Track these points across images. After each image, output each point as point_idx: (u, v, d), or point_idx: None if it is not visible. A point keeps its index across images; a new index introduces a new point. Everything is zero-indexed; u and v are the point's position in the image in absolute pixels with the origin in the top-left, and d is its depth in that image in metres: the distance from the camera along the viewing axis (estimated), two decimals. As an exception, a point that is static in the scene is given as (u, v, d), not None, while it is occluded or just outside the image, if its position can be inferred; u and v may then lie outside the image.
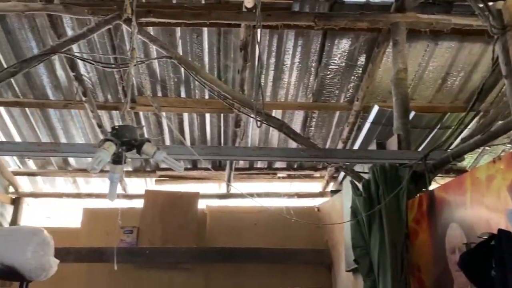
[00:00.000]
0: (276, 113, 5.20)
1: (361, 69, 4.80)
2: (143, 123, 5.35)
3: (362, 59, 4.73)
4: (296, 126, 5.39)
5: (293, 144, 5.63)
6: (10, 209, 5.97)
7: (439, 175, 3.66)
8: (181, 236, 5.65)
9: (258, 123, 3.67)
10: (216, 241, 5.75)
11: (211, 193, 6.35)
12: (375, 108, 4.87)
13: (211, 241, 5.77)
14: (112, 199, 2.50)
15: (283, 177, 6.26)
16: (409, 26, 4.19)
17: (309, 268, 5.72)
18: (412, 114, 4.59)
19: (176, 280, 5.61)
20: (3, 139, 5.31)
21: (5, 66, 4.51)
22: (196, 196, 6.00)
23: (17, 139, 5.36)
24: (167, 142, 5.65)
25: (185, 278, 5.62)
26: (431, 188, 3.29)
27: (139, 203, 5.96)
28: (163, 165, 6.14)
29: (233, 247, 5.58)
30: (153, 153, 2.46)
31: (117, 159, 2.39)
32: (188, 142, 5.66)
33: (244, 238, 5.75)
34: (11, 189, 6.03)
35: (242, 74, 4.58)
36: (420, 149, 5.18)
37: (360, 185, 3.65)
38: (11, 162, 5.88)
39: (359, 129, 5.25)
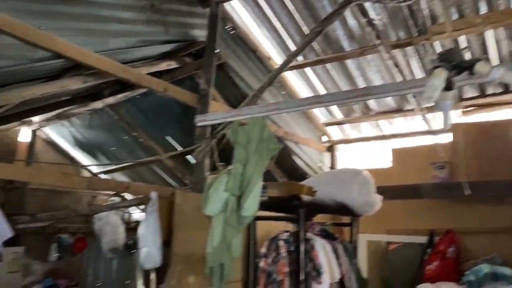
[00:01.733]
0: None
1: None
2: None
3: None
4: None
5: None
6: (327, 155, 6.82)
7: None
8: (501, 168, 5.14)
9: None
10: (545, 170, 4.95)
11: (531, 118, 5.47)
12: None
13: (538, 172, 5.01)
14: (446, 127, 2.45)
15: None
16: None
17: None
18: None
19: (501, 213, 5.19)
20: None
21: (304, 30, 5.08)
22: (511, 123, 5.33)
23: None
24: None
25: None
26: None
27: (444, 138, 5.74)
28: (466, 96, 5.70)
29: None
30: (488, 71, 2.25)
31: (448, 85, 2.32)
32: (494, 62, 5.03)
33: None
34: (324, 138, 6.84)
35: None
36: None
37: None
38: (321, 115, 6.66)
39: None
